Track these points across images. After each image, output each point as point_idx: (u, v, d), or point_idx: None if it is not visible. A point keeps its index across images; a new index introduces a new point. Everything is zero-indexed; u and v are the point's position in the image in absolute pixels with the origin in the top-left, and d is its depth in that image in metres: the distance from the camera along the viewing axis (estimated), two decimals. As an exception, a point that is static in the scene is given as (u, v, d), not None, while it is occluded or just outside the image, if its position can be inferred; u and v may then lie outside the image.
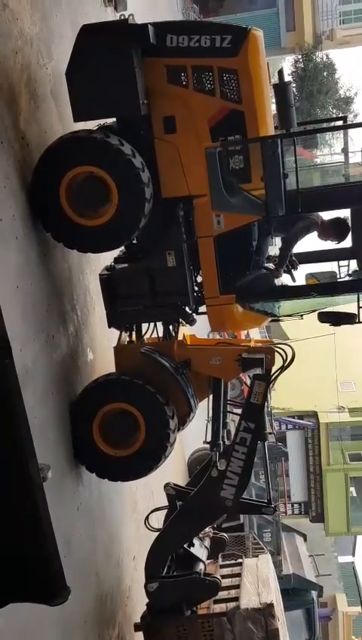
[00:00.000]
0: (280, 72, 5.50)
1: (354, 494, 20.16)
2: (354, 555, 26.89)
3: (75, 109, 5.08)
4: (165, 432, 5.48)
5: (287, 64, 27.50)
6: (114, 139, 4.93)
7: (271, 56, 24.79)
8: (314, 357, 17.03)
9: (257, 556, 7.19)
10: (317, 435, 19.15)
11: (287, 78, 5.68)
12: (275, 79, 5.57)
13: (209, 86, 5.12)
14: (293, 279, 5.67)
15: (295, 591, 15.56)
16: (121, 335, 6.01)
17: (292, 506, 19.97)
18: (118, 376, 5.69)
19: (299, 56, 26.80)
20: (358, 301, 5.27)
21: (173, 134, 5.27)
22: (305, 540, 19.68)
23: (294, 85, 26.44)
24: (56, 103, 5.67)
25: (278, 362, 5.61)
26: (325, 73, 26.29)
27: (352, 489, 19.82)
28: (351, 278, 5.59)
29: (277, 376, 5.56)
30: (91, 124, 5.28)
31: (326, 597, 19.31)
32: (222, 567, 6.68)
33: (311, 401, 19.42)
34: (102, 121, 5.37)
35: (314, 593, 16.40)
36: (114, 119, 5.37)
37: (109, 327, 5.88)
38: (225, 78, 5.07)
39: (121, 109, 5.12)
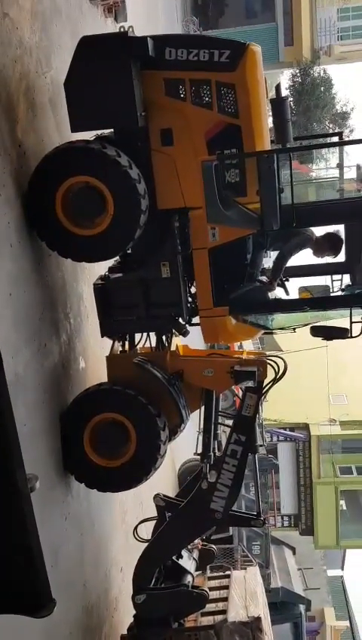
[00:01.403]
0: (278, 87, 5.56)
1: (344, 508, 20.15)
2: (342, 568, 26.81)
3: (73, 119, 5.11)
4: (156, 443, 5.47)
5: (285, 78, 27.79)
6: (111, 150, 4.96)
7: (269, 70, 25.04)
8: (306, 369, 17.10)
9: (245, 569, 7.16)
10: (308, 448, 19.17)
11: (284, 92, 5.73)
12: (272, 94, 5.62)
13: (206, 99, 5.16)
14: (286, 292, 5.69)
15: (283, 604, 15.51)
16: (113, 344, 6.00)
17: (282, 518, 19.94)
18: (109, 386, 5.68)
19: (297, 71, 27.09)
20: (350, 316, 5.30)
21: (170, 147, 5.31)
22: (294, 553, 19.64)
23: (291, 99, 26.83)
24: (54, 113, 5.70)
25: (270, 374, 5.63)
26: (322, 88, 26.58)
27: (342, 502, 19.82)
28: (343, 293, 5.62)
29: (269, 389, 5.57)
30: (89, 135, 5.31)
31: (314, 611, 19.26)
32: (210, 579, 6.66)
33: (303, 414, 19.46)
34: (99, 131, 5.40)
35: (302, 607, 16.35)
36: (111, 130, 5.40)
37: (102, 336, 5.87)
38: (222, 92, 5.11)
39: (118, 120, 5.15)
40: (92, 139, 5.24)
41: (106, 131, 5.43)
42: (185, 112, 5.22)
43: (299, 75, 26.87)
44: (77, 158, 4.96)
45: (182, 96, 5.20)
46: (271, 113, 5.45)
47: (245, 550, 13.16)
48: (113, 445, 5.49)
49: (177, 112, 5.23)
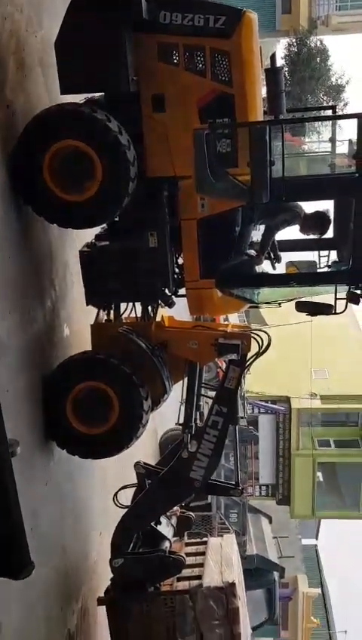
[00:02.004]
0: (273, 57, 5.46)
1: (321, 479, 20.55)
2: (317, 538, 27.56)
3: (63, 81, 4.98)
4: (138, 412, 5.50)
5: (281, 47, 27.28)
6: (101, 114, 4.86)
7: (265, 39, 24.54)
8: (290, 343, 17.20)
9: (222, 536, 7.32)
10: (288, 420, 19.40)
11: (280, 62, 5.63)
12: (267, 63, 5.52)
13: (200, 66, 5.06)
14: (274, 267, 5.69)
15: (257, 571, 15.90)
16: (98, 313, 5.99)
17: (260, 487, 20.28)
18: (93, 355, 5.68)
19: (293, 40, 26.59)
20: (335, 292, 5.32)
21: (161, 113, 5.21)
22: (271, 521, 20.08)
23: (286, 70, 26.40)
24: (44, 73, 5.55)
25: (254, 348, 5.66)
26: (318, 59, 26.17)
27: (319, 474, 20.19)
28: (330, 269, 5.64)
29: (252, 362, 5.61)
30: (79, 97, 5.19)
31: (287, 578, 19.80)
32: (187, 545, 6.79)
33: (285, 387, 19.65)
34: (90, 95, 5.28)
35: (276, 574, 16.79)
36: (102, 93, 5.28)
37: (87, 304, 5.85)
38: (216, 59, 5.01)
39: (109, 84, 5.03)
40: (82, 102, 5.13)
41: (97, 95, 5.32)
42: (178, 78, 5.11)
43: (295, 44, 26.41)
44: (66, 121, 4.86)
45: (175, 61, 5.09)
46: (265, 83, 5.36)
47: (222, 518, 13.42)
48: (95, 413, 5.52)
49: (170, 77, 5.12)
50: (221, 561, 6.39)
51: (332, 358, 20.54)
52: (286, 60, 25.84)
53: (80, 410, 5.52)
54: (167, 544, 6.02)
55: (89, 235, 5.96)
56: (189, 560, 6.27)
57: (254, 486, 19.81)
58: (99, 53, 4.85)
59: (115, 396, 5.49)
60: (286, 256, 5.75)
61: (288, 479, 19.66)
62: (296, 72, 25.60)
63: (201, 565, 6.27)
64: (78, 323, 6.39)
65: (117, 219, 5.52)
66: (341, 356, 20.92)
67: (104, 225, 5.73)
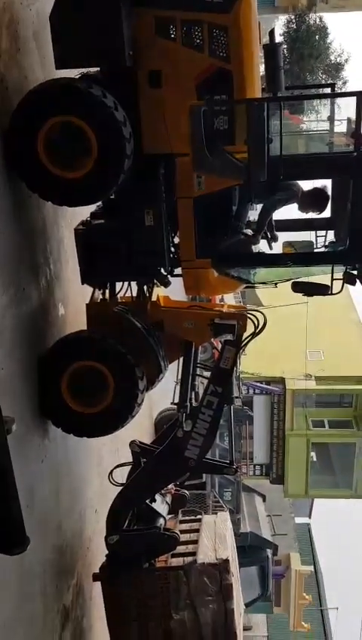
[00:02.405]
0: (272, 33, 5.37)
1: (314, 459, 20.74)
2: (310, 516, 27.91)
3: (58, 55, 4.89)
4: (134, 392, 5.51)
5: (279, 24, 26.87)
6: (97, 90, 4.78)
7: (264, 15, 24.16)
8: (285, 324, 17.22)
9: (216, 514, 7.39)
10: (282, 401, 19.51)
11: (278, 39, 5.54)
12: (266, 39, 5.43)
13: (198, 41, 4.97)
14: (270, 247, 5.66)
15: (251, 548, 16.11)
16: (94, 292, 5.96)
17: (254, 467, 20.47)
18: (89, 334, 5.67)
19: (292, 17, 26.19)
20: (332, 273, 5.30)
21: (158, 89, 5.13)
22: (264, 500, 20.30)
23: (285, 47, 26.02)
24: (38, 47, 5.45)
25: (250, 328, 5.66)
26: (317, 37, 25.80)
27: (313, 454, 20.37)
28: (327, 250, 5.61)
29: (247, 343, 5.61)
30: (74, 72, 5.10)
31: (280, 555, 20.05)
32: (181, 522, 6.86)
33: (280, 368, 19.72)
34: (85, 70, 5.19)
35: (269, 551, 17.02)
36: (98, 68, 5.19)
37: (82, 283, 5.82)
38: (214, 34, 4.92)
39: (105, 59, 4.95)
40: (77, 77, 5.04)
41: (93, 70, 5.22)
42: (175, 53, 5.02)
43: (294, 21, 26.01)
44: (62, 96, 4.78)
45: (172, 36, 5.00)
46: (263, 60, 5.27)
47: (216, 496, 13.55)
48: (91, 392, 5.53)
49: (167, 52, 5.03)
50: (215, 538, 6.45)
51: (328, 339, 20.60)
52: (284, 37, 25.45)
53: (75, 389, 5.52)
54: (161, 521, 6.07)
55: (84, 212, 5.90)
56: (183, 537, 6.34)
57: (248, 466, 19.98)
58: (96, 26, 4.75)
59: (110, 375, 5.49)
60: (283, 236, 5.72)
61: (282, 459, 19.83)
62: (294, 49, 25.24)
63: (195, 542, 6.34)
64: (74, 302, 6.36)
65: (113, 197, 5.46)
66: (336, 338, 20.98)
67: (100, 203, 5.68)
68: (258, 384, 19.78)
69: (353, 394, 19.87)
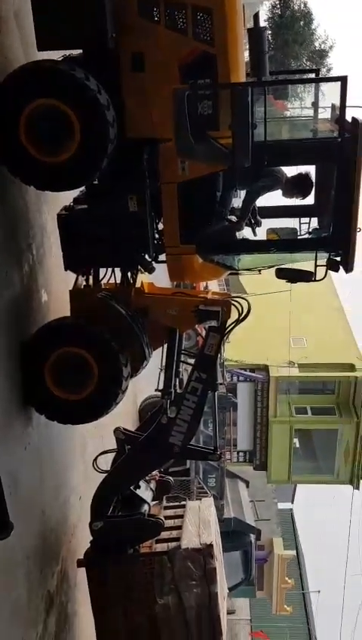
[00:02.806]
0: (256, 16, 5.32)
1: (297, 445, 20.95)
2: (292, 502, 28.25)
3: (40, 37, 4.80)
4: (118, 379, 5.49)
5: (264, 9, 26.67)
6: (79, 72, 4.70)
7: None
8: (269, 312, 17.31)
9: (200, 500, 7.43)
10: (266, 388, 19.66)
11: (263, 23, 5.49)
12: (250, 24, 5.38)
13: (181, 24, 4.90)
14: (254, 233, 5.65)
15: (235, 533, 16.31)
16: (77, 278, 5.92)
17: (238, 454, 20.64)
18: (72, 321, 5.63)
19: (277, 2, 26.01)
20: (315, 259, 5.32)
21: (141, 72, 5.06)
22: (248, 486, 20.52)
23: (269, 32, 25.83)
24: (19, 27, 5.35)
25: (234, 315, 5.66)
26: (302, 22, 25.68)
27: (296, 440, 20.58)
28: (310, 236, 5.62)
29: (231, 329, 5.61)
30: (56, 54, 5.01)
31: (263, 540, 20.30)
32: (165, 508, 6.88)
33: (264, 355, 19.84)
34: (68, 52, 5.10)
35: (252, 536, 17.24)
36: (80, 51, 5.11)
37: (66, 269, 5.76)
38: (198, 17, 4.86)
39: (88, 41, 4.87)
40: (60, 59, 4.96)
41: (75, 52, 5.14)
42: (159, 35, 4.96)
43: (278, 6, 25.83)
44: (43, 79, 4.69)
45: (156, 18, 4.93)
46: (247, 44, 5.23)
47: (201, 482, 13.65)
48: (74, 379, 5.50)
49: (150, 35, 4.97)
50: (199, 523, 6.49)
51: (311, 327, 20.75)
52: (269, 22, 25.27)
53: (58, 376, 5.49)
54: (145, 507, 6.09)
55: (67, 197, 5.84)
56: (168, 523, 6.37)
57: (232, 452, 20.13)
58: (78, 8, 4.67)
59: (93, 362, 5.46)
60: (267, 223, 5.71)
61: (265, 445, 20.02)
62: (279, 35, 25.11)
63: (180, 528, 6.37)
64: (57, 288, 6.31)
65: (96, 182, 5.40)
66: (319, 325, 21.14)
67: (83, 188, 5.61)
68: (242, 371, 19.89)
69: (335, 381, 20.09)
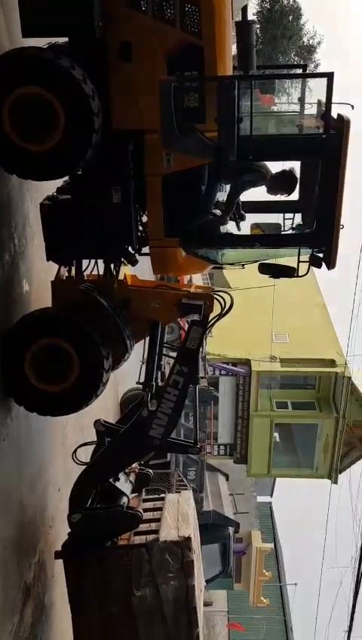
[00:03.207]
0: (244, 9, 5.30)
1: (278, 440, 21.09)
2: (271, 495, 28.50)
3: (25, 23, 4.73)
4: (99, 371, 5.47)
5: (253, 3, 26.60)
6: (65, 61, 4.65)
7: (238, -7, 23.80)
8: (252, 307, 17.35)
9: (180, 492, 7.45)
10: (248, 382, 19.73)
11: (251, 17, 5.47)
12: (238, 17, 5.36)
13: (169, 15, 4.86)
14: (238, 227, 5.65)
15: (213, 526, 16.38)
16: (59, 269, 5.87)
17: (218, 447, 20.73)
18: (54, 312, 5.59)
19: (266, -4, 25.96)
20: (298, 255, 5.33)
21: (127, 63, 5.02)
22: (228, 479, 20.62)
23: (258, 27, 25.78)
24: (4, 13, 5.27)
25: (217, 309, 5.66)
26: (290, 17, 25.64)
27: (276, 434, 20.72)
28: (294, 232, 5.63)
29: (214, 323, 5.62)
30: (42, 42, 4.95)
31: (242, 533, 20.46)
32: (145, 501, 6.88)
33: (246, 349, 19.90)
34: (53, 39, 5.04)
35: (230, 529, 17.34)
36: (66, 39, 5.04)
37: (48, 260, 5.71)
38: (186, 9, 4.82)
39: (74, 29, 4.81)
40: (45, 47, 4.89)
41: (61, 40, 5.08)
42: (146, 26, 4.91)
43: (267, 0, 25.76)
44: (28, 66, 4.64)
45: (143, 8, 4.88)
46: (235, 38, 5.21)
47: (180, 475, 13.67)
48: (55, 370, 5.46)
49: (137, 25, 4.92)
50: (178, 516, 6.51)
51: (293, 322, 20.85)
52: (258, 16, 25.20)
53: (39, 367, 5.45)
54: (124, 500, 6.08)
55: (51, 186, 5.78)
56: (147, 515, 6.38)
57: (213, 445, 20.21)
58: None
59: (75, 354, 5.43)
60: (252, 218, 5.71)
61: (246, 439, 20.12)
62: (267, 29, 25.05)
63: (158, 520, 6.38)
64: (38, 278, 6.26)
65: (80, 172, 5.35)
66: (301, 321, 21.25)
67: (66, 178, 5.56)
68: (224, 365, 19.94)
69: (316, 376, 20.22)
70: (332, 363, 19.75)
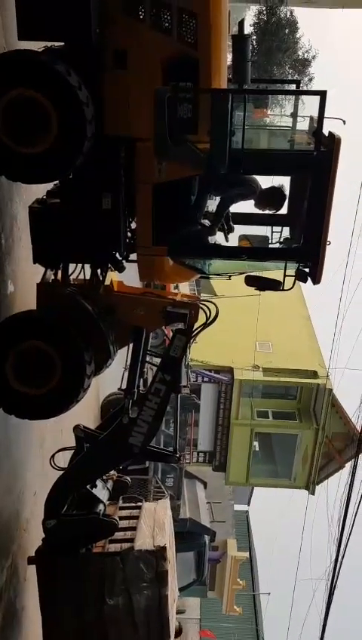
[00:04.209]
0: (241, 23, 5.32)
1: (257, 448, 21.14)
2: (249, 504, 28.51)
3: (21, 26, 4.72)
4: (81, 377, 5.44)
5: (250, 14, 26.81)
6: (61, 66, 4.64)
7: (235, 3, 24.03)
8: (237, 315, 17.40)
9: (158, 499, 7.42)
10: (230, 390, 19.76)
11: (248, 30, 5.51)
12: (235, 29, 5.39)
13: (166, 25, 4.88)
14: (226, 239, 5.67)
15: (189, 534, 16.31)
16: (46, 272, 5.84)
17: (198, 454, 20.71)
18: (38, 314, 5.56)
19: (263, 8, 26.13)
20: (285, 269, 5.36)
21: (123, 70, 5.02)
22: (206, 487, 20.57)
23: (254, 38, 25.96)
24: (1, 14, 5.24)
25: (202, 318, 5.67)
26: (287, 30, 25.84)
27: (256, 443, 20.76)
28: (281, 246, 5.66)
29: (198, 333, 5.62)
30: (39, 44, 4.93)
31: (218, 541, 20.40)
32: (121, 508, 6.86)
33: (229, 357, 19.94)
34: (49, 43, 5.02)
35: (206, 537, 17.28)
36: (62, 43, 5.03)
37: (34, 262, 5.68)
38: (184, 20, 4.84)
39: (71, 34, 4.80)
40: (41, 50, 4.88)
41: (57, 44, 5.06)
42: (143, 34, 4.92)
43: (264, 13, 25.95)
44: (23, 69, 4.62)
45: (140, 17, 4.89)
46: (231, 50, 5.23)
47: (158, 482, 13.62)
48: (36, 374, 5.42)
49: (134, 33, 4.93)
50: (153, 525, 6.49)
51: (277, 332, 20.95)
52: (254, 28, 25.38)
53: (20, 370, 5.41)
54: (101, 507, 6.05)
55: (41, 190, 5.76)
56: (123, 523, 6.35)
57: (192, 452, 20.19)
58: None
59: (57, 358, 5.40)
60: (240, 230, 5.74)
61: (225, 447, 20.13)
62: (263, 41, 25.22)
63: (134, 529, 6.35)
64: (24, 280, 6.22)
65: (71, 177, 5.34)
66: (285, 331, 21.36)
67: (57, 182, 5.54)
68: (207, 372, 19.95)
69: (298, 387, 20.32)
70: (314, 374, 19.87)
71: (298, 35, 26.57)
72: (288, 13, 26.29)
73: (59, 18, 4.70)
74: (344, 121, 5.20)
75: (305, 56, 27.18)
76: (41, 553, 6.02)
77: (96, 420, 11.08)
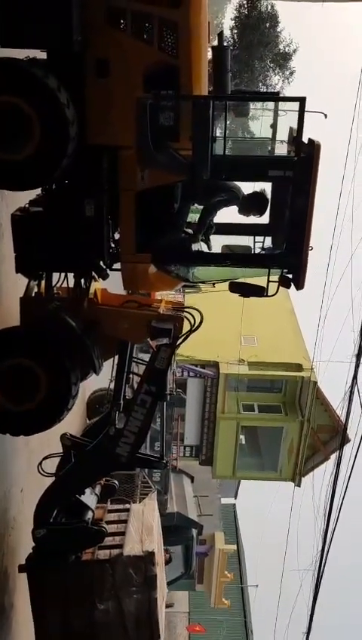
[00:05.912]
0: (220, 35, 5.34)
1: (243, 442, 21.28)
2: (236, 497, 28.71)
3: (3, 33, 4.68)
4: (65, 397, 5.43)
5: (231, 8, 26.69)
6: (39, 70, 4.63)
7: (216, -3, 23.86)
8: (222, 310, 17.44)
9: (145, 496, 7.43)
10: (215, 384, 19.84)
11: (229, 23, 5.50)
12: (214, 38, 5.38)
13: (147, 35, 4.88)
14: (209, 247, 5.68)
15: (177, 528, 16.42)
16: (29, 284, 5.80)
17: (184, 448, 20.81)
18: (22, 331, 5.52)
19: (244, 2, 26.02)
20: (268, 275, 5.40)
21: (104, 79, 5.01)
22: (193, 481, 20.69)
23: (235, 32, 25.82)
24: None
25: (187, 326, 5.68)
26: (267, 24, 25.76)
27: (242, 437, 20.89)
28: (264, 252, 5.69)
29: (183, 341, 5.64)
30: (23, 53, 4.89)
31: (205, 535, 20.54)
32: (109, 512, 6.89)
33: (215, 352, 20.00)
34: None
35: (194, 531, 17.42)
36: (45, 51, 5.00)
37: (17, 272, 5.65)
38: (164, 29, 4.84)
39: (53, 41, 4.79)
40: (25, 59, 4.84)
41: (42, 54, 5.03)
42: (124, 44, 4.92)
43: (246, 6, 25.84)
44: (2, 74, 4.59)
45: (122, 27, 4.88)
46: (211, 60, 5.24)
47: (145, 477, 13.66)
48: (20, 390, 5.40)
49: (116, 43, 4.92)
50: (142, 529, 6.53)
51: (262, 326, 21.03)
52: (235, 21, 25.28)
53: (4, 385, 5.38)
54: (89, 515, 6.07)
55: (23, 197, 5.72)
56: (111, 528, 6.38)
57: (179, 447, 20.28)
58: (45, 7, 4.59)
59: (44, 378, 5.37)
60: (223, 240, 5.76)
61: (212, 441, 20.23)
62: (244, 35, 25.12)
63: (123, 534, 6.39)
64: (6, 290, 6.18)
65: (54, 185, 5.31)
66: (270, 325, 21.45)
67: (39, 190, 5.51)
68: (192, 367, 20.00)
69: (283, 380, 20.45)
70: (298, 367, 20.01)
71: (279, 29, 26.51)
72: (269, 7, 26.21)
73: (40, 26, 4.67)
74: (325, 115, 5.23)
75: (286, 49, 27.12)
76: (31, 561, 6.04)
77: (82, 416, 11.06)
